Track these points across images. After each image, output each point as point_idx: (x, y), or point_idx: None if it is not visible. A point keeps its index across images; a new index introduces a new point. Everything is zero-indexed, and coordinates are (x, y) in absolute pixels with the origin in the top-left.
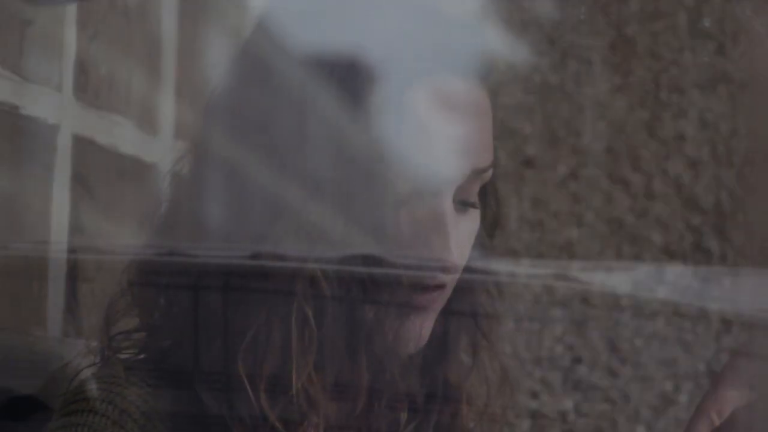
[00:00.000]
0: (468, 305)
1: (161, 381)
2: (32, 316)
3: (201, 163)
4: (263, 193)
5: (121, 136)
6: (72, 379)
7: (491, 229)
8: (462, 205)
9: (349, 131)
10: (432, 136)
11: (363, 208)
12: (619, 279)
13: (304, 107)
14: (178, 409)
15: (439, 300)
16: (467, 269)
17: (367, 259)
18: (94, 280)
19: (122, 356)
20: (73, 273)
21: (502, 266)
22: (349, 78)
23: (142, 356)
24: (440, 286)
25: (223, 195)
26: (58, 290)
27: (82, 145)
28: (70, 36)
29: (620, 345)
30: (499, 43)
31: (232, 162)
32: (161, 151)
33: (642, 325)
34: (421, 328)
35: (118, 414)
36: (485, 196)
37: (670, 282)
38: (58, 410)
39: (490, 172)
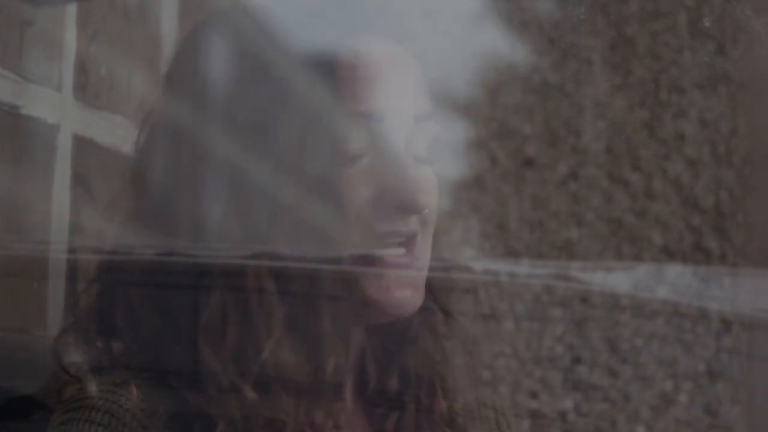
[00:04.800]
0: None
1: (158, 385)
2: (32, 316)
3: (157, 131)
4: (219, 165)
5: (121, 136)
6: (64, 389)
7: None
8: (415, 156)
9: (298, 96)
10: (369, 93)
11: (319, 166)
12: (619, 279)
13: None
14: (177, 411)
15: (415, 254)
16: (459, 267)
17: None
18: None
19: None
20: (73, 273)
21: (502, 266)
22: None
23: (135, 361)
24: (413, 235)
25: (183, 169)
26: (58, 290)
27: (82, 145)
28: (70, 36)
29: (620, 345)
30: (499, 43)
31: (188, 130)
32: None
33: (642, 325)
34: (418, 284)
35: (116, 409)
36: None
37: (670, 282)
38: (55, 415)
39: (432, 124)
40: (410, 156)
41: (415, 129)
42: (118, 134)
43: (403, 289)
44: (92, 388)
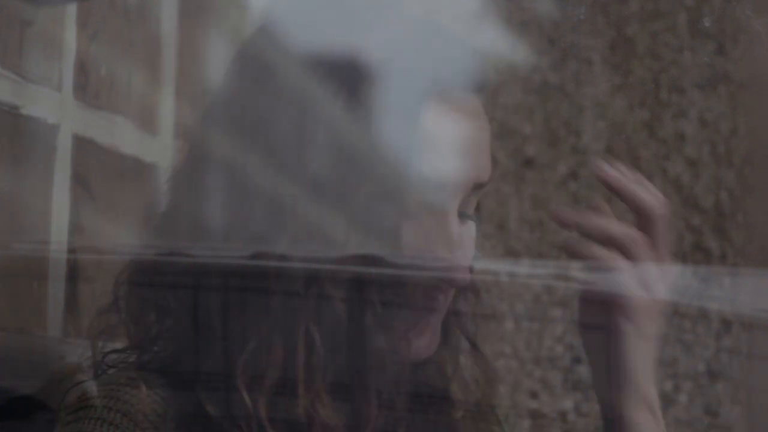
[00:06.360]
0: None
1: (168, 385)
2: (32, 316)
3: (199, 163)
4: (264, 195)
5: (121, 136)
6: (72, 387)
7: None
8: (463, 216)
9: (354, 138)
10: (439, 149)
11: (371, 221)
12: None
13: (305, 109)
14: (187, 413)
15: (445, 302)
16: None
17: (379, 264)
18: (94, 280)
19: (122, 364)
20: (73, 273)
21: (502, 266)
22: (351, 81)
23: (145, 361)
24: (448, 289)
25: (223, 195)
26: (58, 290)
27: (82, 145)
28: (70, 36)
29: None
30: (499, 43)
31: (231, 162)
32: (161, 151)
33: None
34: (435, 330)
35: (128, 408)
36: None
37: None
38: (65, 414)
39: (486, 187)
40: (458, 221)
41: (473, 195)
42: (118, 134)
43: (419, 336)
44: (103, 387)
